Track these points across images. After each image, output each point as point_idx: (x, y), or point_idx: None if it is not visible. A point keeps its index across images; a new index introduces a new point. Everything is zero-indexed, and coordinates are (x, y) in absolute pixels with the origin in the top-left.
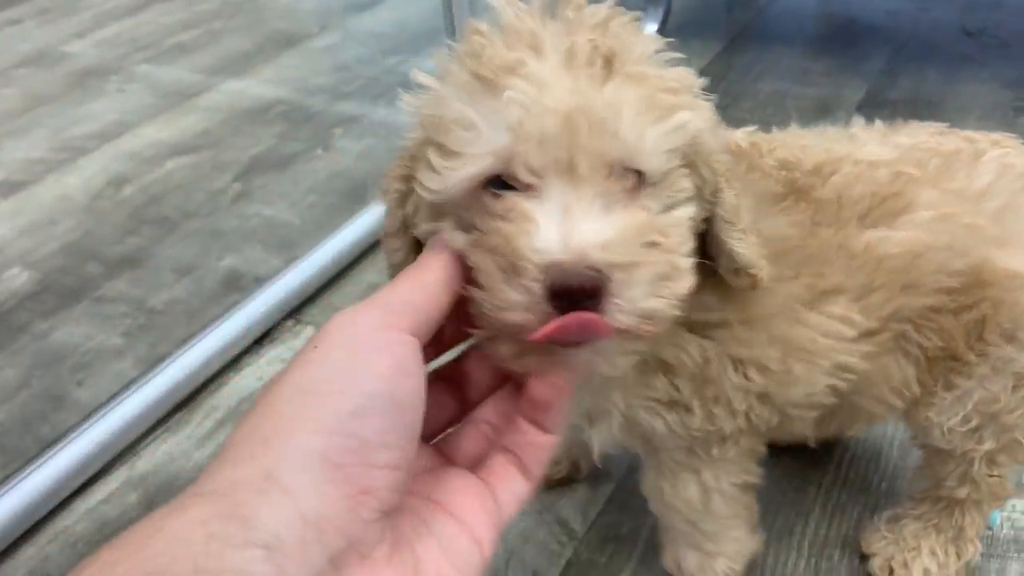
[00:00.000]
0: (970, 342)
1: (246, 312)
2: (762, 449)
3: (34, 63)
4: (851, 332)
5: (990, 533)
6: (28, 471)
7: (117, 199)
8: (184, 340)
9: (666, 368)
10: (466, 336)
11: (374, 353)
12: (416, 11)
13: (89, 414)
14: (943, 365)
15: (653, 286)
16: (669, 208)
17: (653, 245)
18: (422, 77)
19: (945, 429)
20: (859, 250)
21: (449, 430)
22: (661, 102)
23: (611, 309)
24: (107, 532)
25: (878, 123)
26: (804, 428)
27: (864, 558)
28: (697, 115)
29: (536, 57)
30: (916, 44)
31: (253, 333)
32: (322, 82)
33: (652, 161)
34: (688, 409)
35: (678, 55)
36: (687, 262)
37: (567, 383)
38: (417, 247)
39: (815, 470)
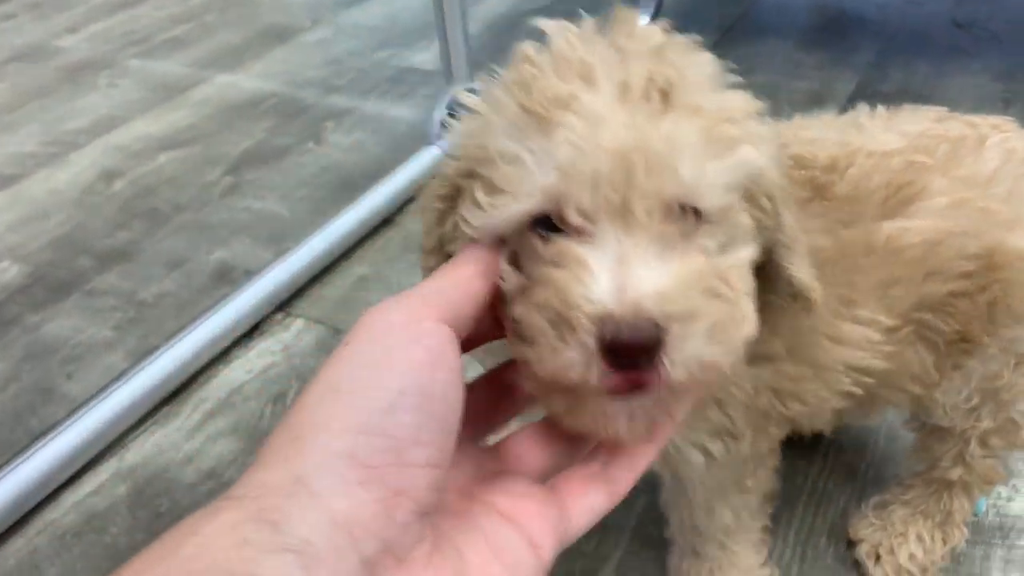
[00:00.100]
0: (984, 324)
1: (235, 305)
2: (777, 456)
3: (26, 58)
4: (878, 336)
5: (976, 520)
6: (16, 463)
7: (108, 193)
8: (174, 333)
9: (719, 400)
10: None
11: (405, 345)
12: (407, 5)
13: (78, 406)
14: (957, 348)
15: (713, 337)
16: (727, 247)
17: (713, 292)
18: (469, 100)
19: (948, 407)
20: (880, 244)
21: (513, 429)
22: (721, 135)
23: (668, 363)
24: (95, 524)
25: (880, 109)
26: (821, 424)
27: (851, 545)
28: (760, 147)
29: (588, 89)
30: (906, 36)
31: (243, 326)
32: (313, 76)
33: (711, 199)
34: (737, 437)
35: (735, 78)
36: (749, 306)
37: (631, 439)
38: None
39: (802, 458)
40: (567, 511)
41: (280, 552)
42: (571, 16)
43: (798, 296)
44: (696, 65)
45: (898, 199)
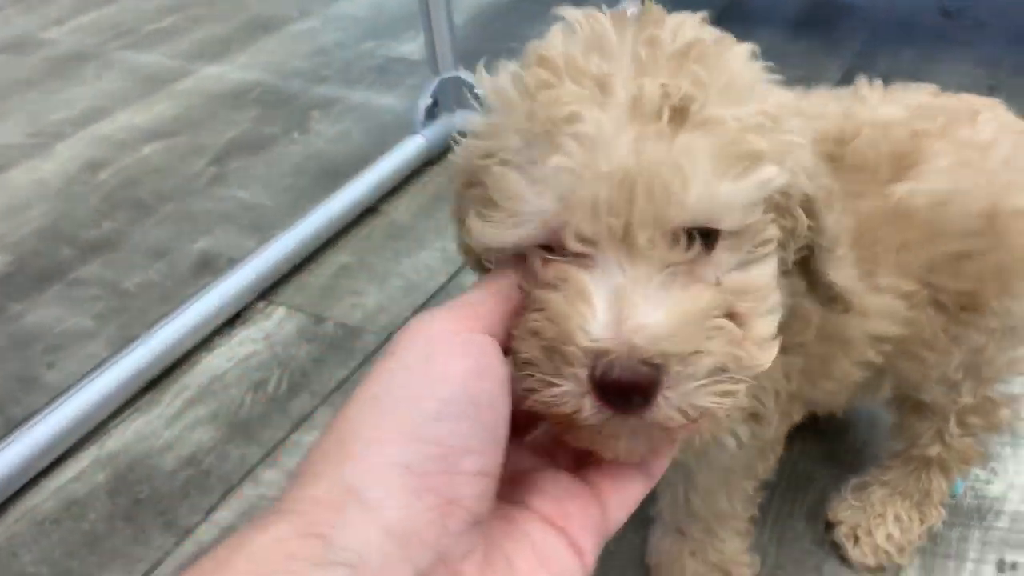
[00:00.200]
0: (993, 286)
1: (217, 292)
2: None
3: (12, 50)
4: (899, 303)
5: (953, 502)
6: None
7: (92, 183)
8: (156, 322)
9: (754, 385)
10: None
11: (450, 356)
12: None
13: (59, 394)
14: (964, 315)
15: (713, 380)
16: (749, 262)
17: (718, 329)
18: (487, 84)
19: (936, 379)
20: (892, 208)
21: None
22: (743, 151)
23: (663, 405)
24: (74, 511)
25: (877, 82)
26: (838, 405)
27: (830, 527)
28: (791, 155)
29: (599, 104)
30: (893, 24)
31: (224, 314)
32: (300, 66)
33: (729, 219)
34: (766, 422)
35: (773, 75)
36: (767, 325)
37: (632, 459)
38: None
39: None
40: (606, 507)
41: (331, 566)
42: (563, 4)
43: (837, 299)
44: (724, 68)
45: (904, 164)
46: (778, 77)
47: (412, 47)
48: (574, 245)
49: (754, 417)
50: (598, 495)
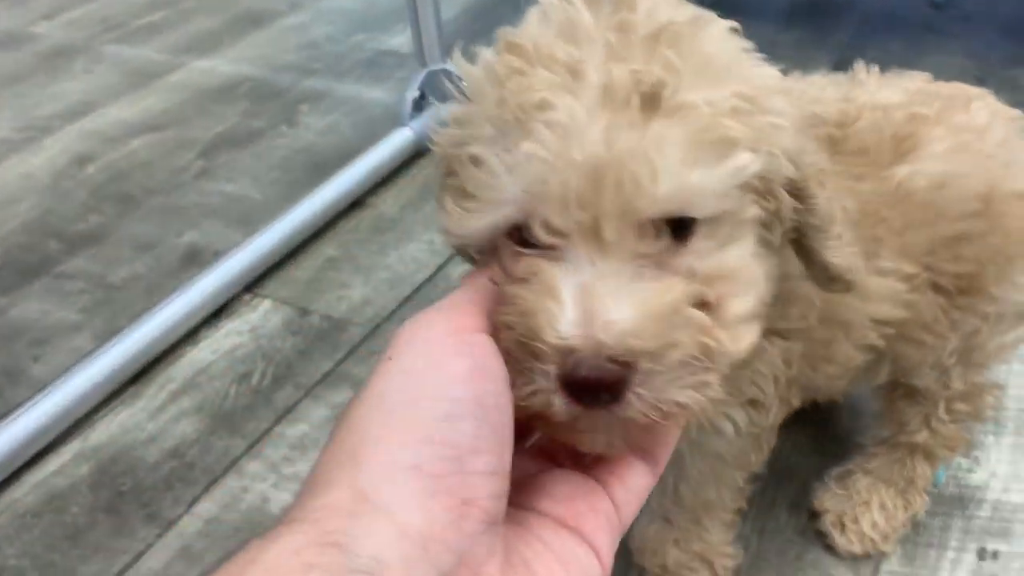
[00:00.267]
0: (993, 268)
1: (203, 285)
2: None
3: (1, 44)
4: (901, 285)
5: (936, 491)
6: None
7: (80, 177)
8: (141, 315)
9: (752, 371)
10: None
11: (451, 357)
12: None
13: (43, 386)
14: (963, 299)
15: (685, 373)
16: (727, 244)
17: (689, 321)
18: (463, 72)
19: (930, 364)
20: (893, 190)
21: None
22: (717, 137)
23: (634, 401)
24: (56, 504)
25: (874, 68)
26: (838, 390)
27: (814, 516)
28: (767, 142)
29: (570, 91)
30: (882, 16)
31: (210, 306)
32: (290, 60)
33: (703, 208)
34: (766, 409)
35: (754, 51)
36: (744, 306)
37: (612, 454)
38: None
39: None
40: (616, 502)
41: (350, 574)
42: None
43: (836, 279)
44: (699, 50)
45: (906, 147)
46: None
47: (402, 40)
48: (544, 237)
49: (752, 404)
50: (606, 491)
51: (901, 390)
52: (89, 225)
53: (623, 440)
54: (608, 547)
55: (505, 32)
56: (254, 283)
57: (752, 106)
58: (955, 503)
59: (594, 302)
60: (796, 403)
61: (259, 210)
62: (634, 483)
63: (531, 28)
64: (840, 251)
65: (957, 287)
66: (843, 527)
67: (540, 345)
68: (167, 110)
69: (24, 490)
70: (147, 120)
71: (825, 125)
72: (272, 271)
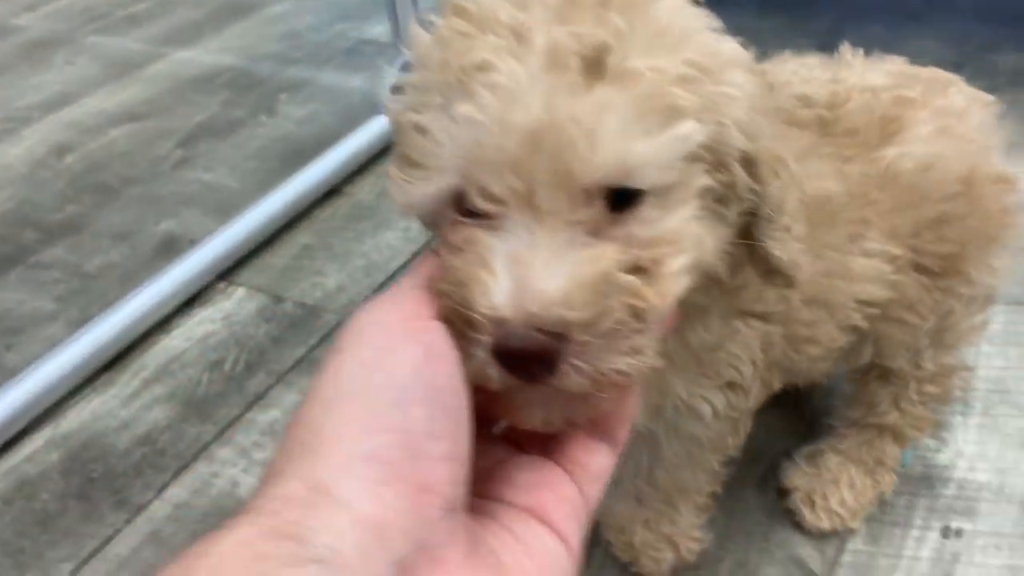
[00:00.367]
0: (973, 249)
1: (176, 273)
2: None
3: None
4: (887, 267)
5: (903, 471)
6: None
7: (58, 168)
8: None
9: (728, 353)
10: None
11: (402, 344)
12: None
13: (15, 374)
14: (945, 280)
15: (619, 340)
16: (669, 211)
17: (624, 290)
18: (414, 35)
19: (906, 345)
20: (882, 172)
21: None
22: (662, 105)
23: (569, 372)
24: (26, 491)
25: (859, 51)
26: (820, 372)
27: (783, 494)
28: (716, 113)
29: (514, 54)
30: (862, 2)
31: (184, 294)
32: (271, 49)
33: (645, 178)
34: (744, 391)
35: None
36: (677, 267)
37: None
38: None
39: None
40: (580, 485)
41: (301, 564)
42: None
43: (776, 272)
44: (652, 17)
45: (890, 130)
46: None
47: (382, 29)
48: (481, 204)
49: (731, 386)
50: (569, 474)
51: (875, 371)
52: (66, 215)
53: (562, 415)
54: (576, 534)
55: None
56: (229, 271)
57: (703, 75)
58: (921, 482)
59: (526, 272)
60: (777, 386)
61: (236, 199)
62: (596, 466)
63: None
64: (785, 244)
65: (940, 267)
66: (812, 504)
67: (473, 315)
68: (147, 100)
69: None
70: (127, 110)
71: (816, 106)
72: (247, 259)
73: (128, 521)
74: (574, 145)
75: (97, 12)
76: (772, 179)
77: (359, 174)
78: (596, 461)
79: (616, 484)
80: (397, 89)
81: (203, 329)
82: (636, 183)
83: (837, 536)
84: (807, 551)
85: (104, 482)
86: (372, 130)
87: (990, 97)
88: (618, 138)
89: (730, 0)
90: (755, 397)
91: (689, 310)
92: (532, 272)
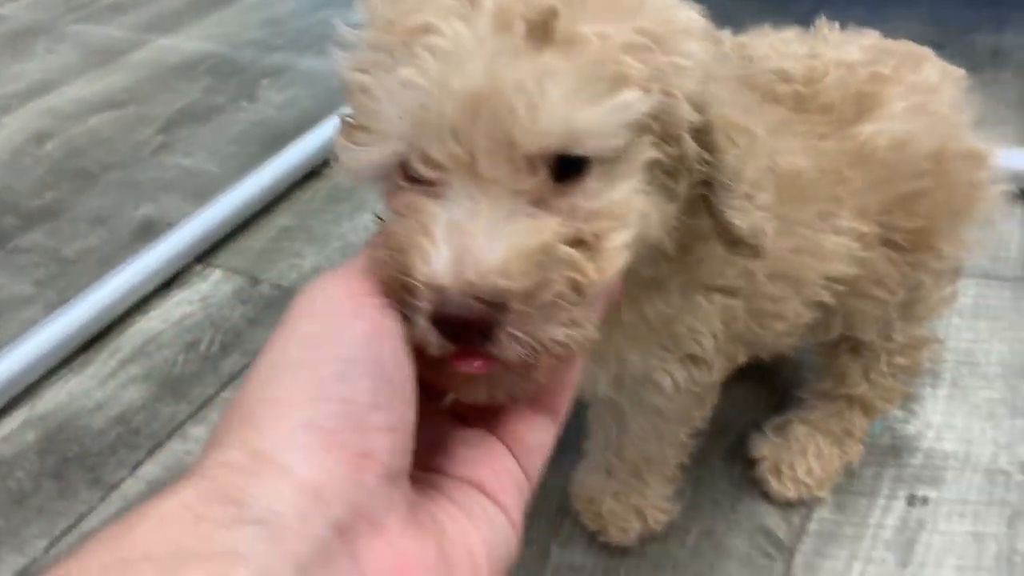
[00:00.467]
0: (943, 224)
1: (154, 255)
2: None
3: None
4: (856, 244)
5: (870, 441)
6: None
7: (38, 154)
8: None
9: (688, 327)
10: None
11: (347, 319)
12: None
13: None
14: (914, 256)
15: (558, 312)
16: (615, 182)
17: (564, 261)
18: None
19: (876, 318)
20: (857, 149)
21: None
22: (607, 73)
23: (506, 342)
24: (2, 470)
25: (836, 24)
26: (786, 346)
27: (751, 465)
28: (664, 83)
29: (461, 15)
30: None
31: (160, 276)
32: (253, 36)
33: (588, 145)
34: (704, 363)
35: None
36: (620, 241)
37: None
38: None
39: None
40: (520, 459)
41: (239, 526)
42: None
43: (738, 242)
44: None
45: (865, 106)
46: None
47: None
48: (423, 171)
49: (693, 360)
50: (509, 448)
51: (846, 344)
52: (45, 200)
53: (504, 389)
54: (516, 506)
55: None
56: (206, 253)
57: (654, 44)
58: (888, 453)
59: (466, 240)
60: (742, 359)
61: (216, 183)
62: (534, 439)
63: None
64: (746, 213)
65: (909, 243)
66: (779, 474)
67: (412, 282)
68: (129, 87)
69: None
70: (108, 97)
71: (793, 81)
72: (225, 242)
73: (102, 499)
74: (515, 112)
75: (79, 1)
76: (729, 147)
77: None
78: (536, 436)
79: (586, 457)
80: (346, 45)
81: (180, 311)
82: (579, 151)
83: (804, 506)
84: (774, 520)
85: (79, 461)
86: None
87: (962, 71)
88: (561, 105)
89: None
90: (719, 370)
91: (644, 283)
92: (472, 240)
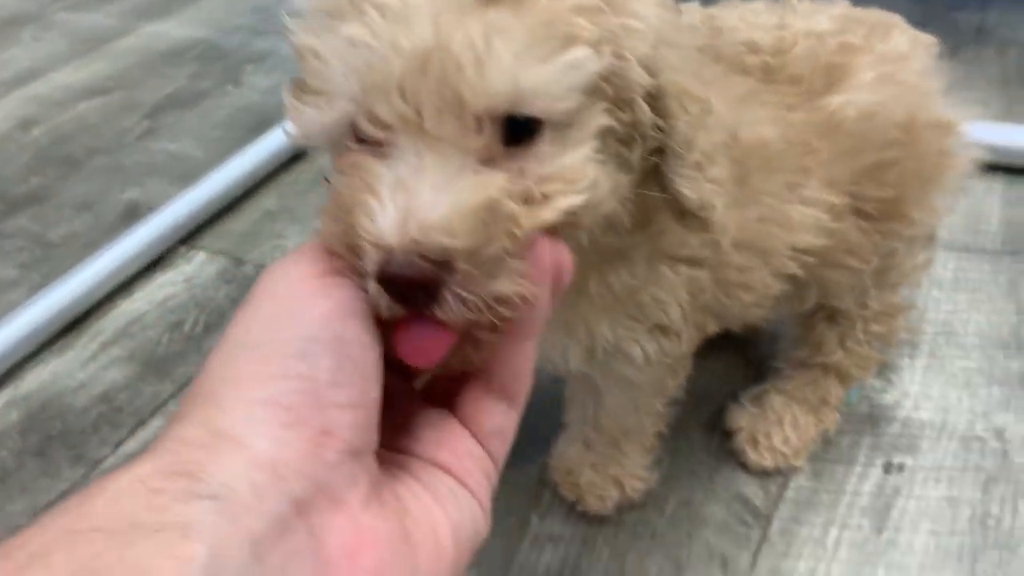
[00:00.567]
0: (913, 193)
1: (137, 237)
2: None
3: None
4: (825, 215)
5: (847, 411)
6: None
7: (24, 141)
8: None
9: (653, 297)
10: None
11: (310, 298)
12: None
13: None
14: (886, 225)
15: (504, 269)
16: (567, 148)
17: (510, 220)
18: None
19: (850, 286)
20: (826, 120)
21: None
22: (557, 33)
23: (451, 302)
24: None
25: None
26: (757, 317)
27: (728, 436)
28: (615, 45)
29: None
30: None
31: (144, 258)
32: (241, 22)
33: (537, 106)
34: (673, 333)
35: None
36: (568, 205)
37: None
38: None
39: None
40: (484, 443)
41: (194, 499)
42: None
43: (687, 213)
44: None
45: (834, 77)
46: None
47: None
48: (370, 130)
49: (662, 331)
50: (472, 433)
51: (822, 312)
52: (31, 186)
53: (458, 357)
54: (482, 489)
55: None
56: (191, 236)
57: (605, 5)
58: (866, 422)
59: (411, 198)
60: (712, 329)
61: (201, 167)
62: (494, 424)
63: None
64: (696, 184)
65: (879, 212)
66: (756, 443)
67: (358, 242)
68: (115, 74)
69: None
70: (95, 84)
71: (761, 52)
72: (210, 224)
73: (85, 476)
74: (463, 69)
75: None
76: (680, 113)
77: None
78: (495, 421)
79: (565, 430)
80: (296, 12)
81: (163, 292)
82: (528, 111)
83: (781, 474)
84: (752, 489)
85: (62, 439)
86: None
87: (932, 38)
88: (509, 63)
89: None
90: (688, 341)
91: (607, 254)
92: (417, 198)
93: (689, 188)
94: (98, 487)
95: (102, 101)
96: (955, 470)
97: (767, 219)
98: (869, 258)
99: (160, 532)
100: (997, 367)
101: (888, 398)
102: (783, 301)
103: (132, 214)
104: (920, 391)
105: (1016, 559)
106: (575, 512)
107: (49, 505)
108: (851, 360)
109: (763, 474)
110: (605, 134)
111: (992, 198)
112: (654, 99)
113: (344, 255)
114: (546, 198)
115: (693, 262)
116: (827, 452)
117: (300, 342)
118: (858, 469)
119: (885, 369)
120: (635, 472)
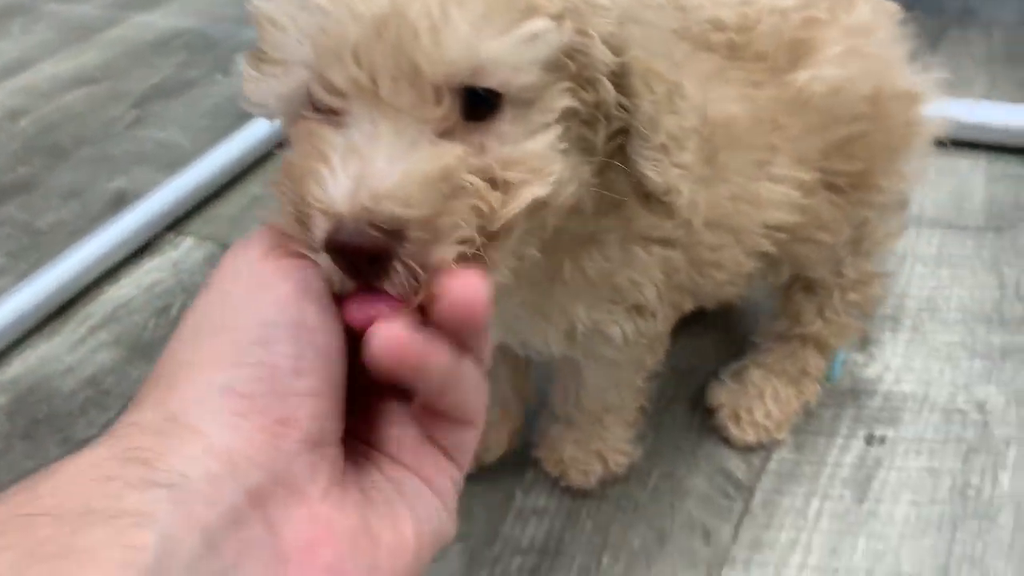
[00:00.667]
0: (881, 163)
1: (124, 224)
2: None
3: None
4: (795, 192)
5: (829, 385)
6: None
7: (12, 131)
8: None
9: (627, 279)
10: None
11: (271, 281)
12: None
13: None
14: (857, 196)
15: (457, 240)
16: (534, 133)
17: (466, 191)
18: None
19: (825, 257)
20: (793, 96)
21: None
22: (520, 4)
23: (400, 274)
24: None
25: None
26: (731, 294)
27: (710, 413)
28: (577, 19)
29: None
30: None
31: (131, 244)
32: (230, 12)
33: (498, 77)
34: (649, 313)
35: None
36: (534, 194)
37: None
38: None
39: None
40: (450, 457)
41: (148, 487)
42: None
43: (651, 197)
44: None
45: (800, 52)
46: None
47: None
48: (326, 98)
49: (637, 310)
50: (434, 442)
51: (799, 283)
52: (18, 175)
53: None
54: (448, 491)
55: None
56: (178, 222)
57: None
58: (848, 395)
59: (364, 165)
60: (688, 307)
61: (188, 155)
62: (455, 440)
63: None
64: (662, 167)
65: (850, 184)
66: (738, 419)
67: (308, 211)
68: (103, 64)
69: None
70: (83, 74)
71: (727, 30)
72: (198, 210)
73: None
74: (419, 37)
75: None
76: (645, 93)
77: None
78: (456, 438)
79: (548, 410)
80: None
81: (151, 278)
82: (487, 83)
83: (764, 447)
84: (734, 462)
85: (49, 422)
86: None
87: (896, 6)
88: (467, 32)
89: None
90: (664, 320)
91: (580, 238)
92: (370, 165)
93: (654, 171)
94: (53, 471)
95: (90, 91)
96: (936, 442)
97: (737, 197)
98: (841, 231)
99: (113, 519)
100: (979, 341)
101: (870, 371)
102: (757, 278)
103: (120, 202)
104: (902, 364)
105: (995, 528)
106: (559, 486)
107: None
108: (829, 330)
109: (746, 448)
110: (569, 117)
111: (976, 175)
112: (618, 78)
113: (294, 229)
114: (509, 184)
115: (666, 242)
116: (809, 425)
117: (260, 327)
118: (840, 441)
119: (867, 343)
120: (618, 447)
